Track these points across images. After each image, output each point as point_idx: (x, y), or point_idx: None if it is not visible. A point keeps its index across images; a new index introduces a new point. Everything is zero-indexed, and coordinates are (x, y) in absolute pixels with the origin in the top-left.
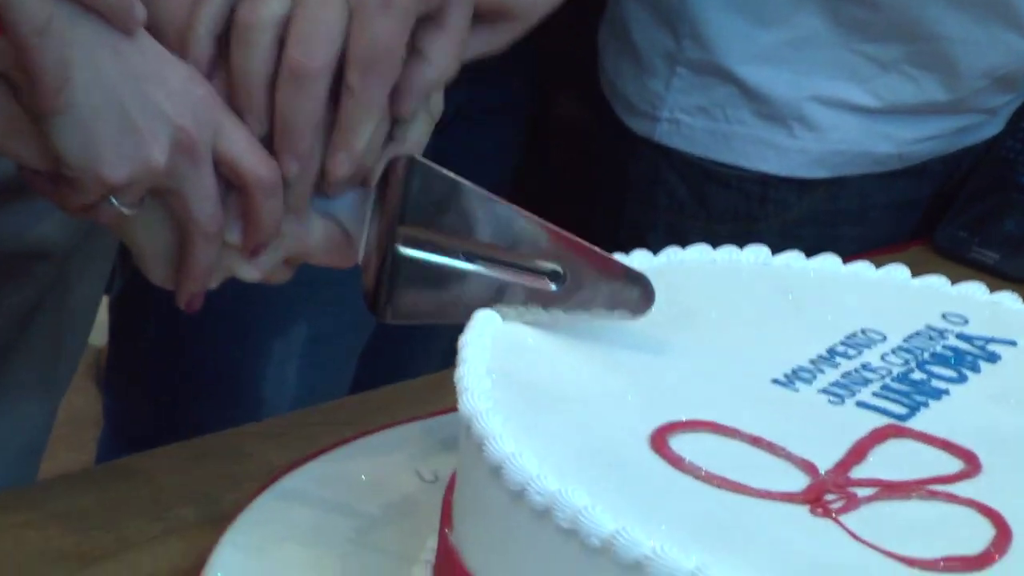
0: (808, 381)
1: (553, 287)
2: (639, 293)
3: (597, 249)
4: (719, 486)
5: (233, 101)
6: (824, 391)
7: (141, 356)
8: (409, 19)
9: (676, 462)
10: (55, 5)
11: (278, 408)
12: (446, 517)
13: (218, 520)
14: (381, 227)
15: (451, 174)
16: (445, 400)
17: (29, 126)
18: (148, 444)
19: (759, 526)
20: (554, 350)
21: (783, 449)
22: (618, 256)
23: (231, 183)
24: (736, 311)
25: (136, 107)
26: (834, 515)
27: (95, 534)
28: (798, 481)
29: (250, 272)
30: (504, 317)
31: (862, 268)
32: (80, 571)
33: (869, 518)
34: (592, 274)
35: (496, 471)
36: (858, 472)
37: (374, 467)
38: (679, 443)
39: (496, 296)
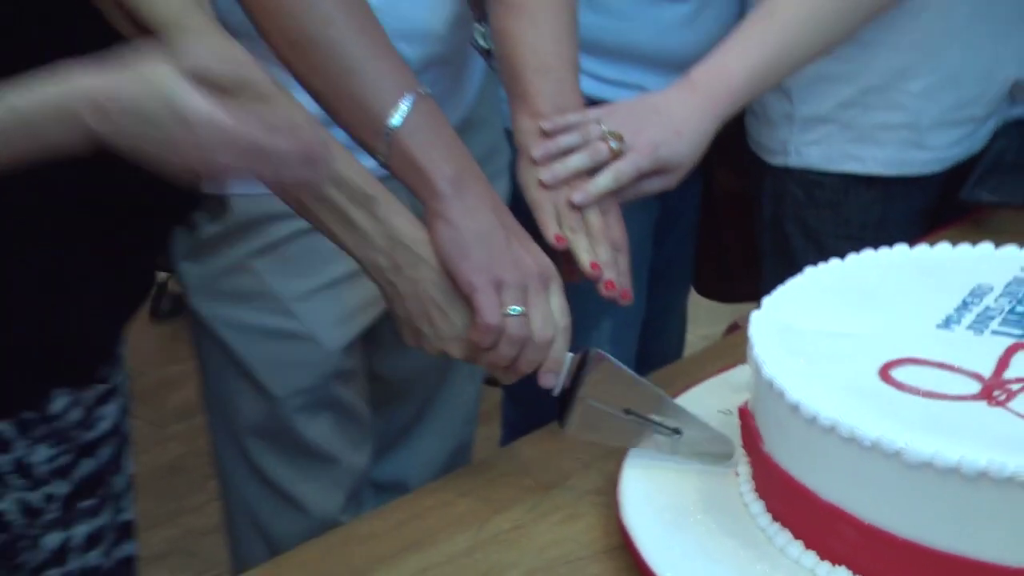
0: (957, 322)
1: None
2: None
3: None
4: (930, 397)
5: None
6: (970, 327)
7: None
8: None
9: (900, 386)
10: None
11: None
12: (754, 433)
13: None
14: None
15: (629, 371)
16: (726, 361)
17: None
18: None
19: (958, 419)
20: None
21: (959, 368)
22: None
23: None
24: (901, 290)
25: None
26: (1004, 404)
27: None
28: (974, 387)
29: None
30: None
31: (964, 251)
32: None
33: None
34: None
35: (794, 409)
36: (1008, 374)
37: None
38: (897, 374)
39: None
